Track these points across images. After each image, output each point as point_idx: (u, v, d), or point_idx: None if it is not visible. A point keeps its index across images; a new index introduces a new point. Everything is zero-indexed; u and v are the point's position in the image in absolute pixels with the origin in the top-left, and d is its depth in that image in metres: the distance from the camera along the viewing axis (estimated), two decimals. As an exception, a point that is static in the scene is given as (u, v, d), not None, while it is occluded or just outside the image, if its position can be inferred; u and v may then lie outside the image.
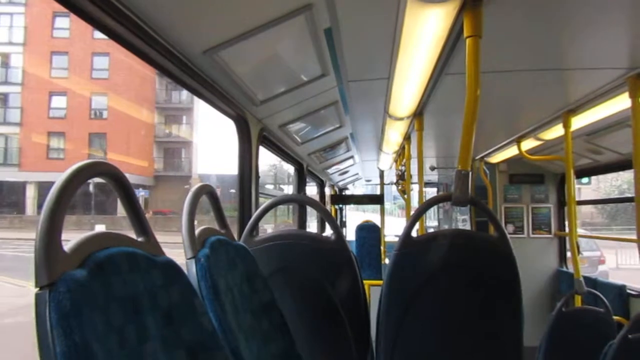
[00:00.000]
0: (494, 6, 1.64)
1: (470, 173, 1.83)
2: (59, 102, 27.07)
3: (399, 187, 5.97)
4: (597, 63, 2.31)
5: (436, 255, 1.96)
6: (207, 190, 1.56)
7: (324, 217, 2.44)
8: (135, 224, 1.15)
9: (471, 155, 1.80)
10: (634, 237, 2.56)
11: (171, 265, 1.17)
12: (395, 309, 1.96)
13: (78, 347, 0.79)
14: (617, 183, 26.66)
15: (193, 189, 1.49)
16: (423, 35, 1.79)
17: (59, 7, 1.64)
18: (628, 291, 3.94)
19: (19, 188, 26.29)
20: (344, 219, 9.49)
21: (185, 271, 1.29)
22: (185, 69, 1.90)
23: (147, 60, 1.73)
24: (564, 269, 5.40)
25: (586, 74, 2.48)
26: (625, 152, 3.86)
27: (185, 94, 28.99)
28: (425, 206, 2.20)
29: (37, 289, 0.81)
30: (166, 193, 28.02)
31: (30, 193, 26.17)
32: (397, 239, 2.06)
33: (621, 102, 2.66)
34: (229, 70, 2.04)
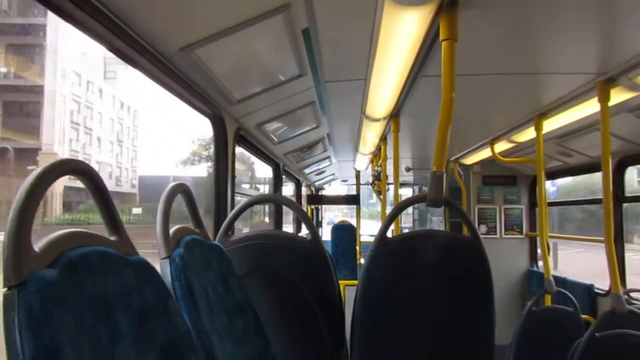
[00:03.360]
0: (469, 11, 1.67)
1: (444, 174, 1.86)
2: None
3: (375, 188, 6.01)
4: (568, 68, 2.37)
5: (411, 255, 1.98)
6: (182, 189, 1.54)
7: (300, 217, 2.44)
8: (109, 223, 1.12)
9: (446, 157, 1.82)
10: None
11: (145, 265, 1.15)
12: (370, 309, 1.97)
13: (47, 349, 0.77)
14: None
15: (168, 187, 1.47)
16: (400, 38, 1.80)
17: None
18: (595, 290, 4.06)
19: None
20: (320, 219, 9.50)
21: (159, 271, 1.28)
22: (160, 67, 1.87)
23: (120, 56, 1.70)
24: (535, 268, 5.52)
25: (557, 79, 2.54)
26: (593, 155, 3.98)
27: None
28: (400, 207, 2.23)
29: (5, 289, 0.79)
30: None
31: None
32: (372, 239, 2.08)
33: (591, 107, 2.73)
34: (205, 69, 2.02)
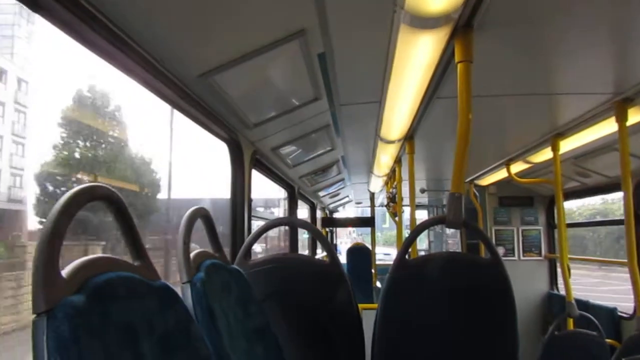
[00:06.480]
0: (484, 33, 1.68)
1: (463, 196, 1.85)
2: None
3: (390, 210, 5.98)
4: (584, 88, 2.36)
5: (430, 278, 1.95)
6: (201, 214, 1.55)
7: (319, 240, 2.43)
8: (132, 248, 1.14)
9: (464, 178, 1.82)
10: None
11: (167, 290, 1.16)
12: (391, 332, 1.94)
13: None
14: None
15: (188, 212, 1.48)
16: (415, 60, 1.82)
17: None
18: (619, 313, 3.95)
19: None
20: (334, 242, 9.46)
21: (180, 295, 1.28)
22: (179, 93, 1.91)
23: (142, 83, 1.74)
24: (555, 291, 5.40)
25: (574, 99, 2.53)
26: (612, 175, 3.92)
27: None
28: (419, 229, 2.20)
29: (35, 315, 0.79)
30: None
31: None
32: (385, 261, 2.06)
33: (608, 126, 2.71)
34: (223, 94, 2.05)
